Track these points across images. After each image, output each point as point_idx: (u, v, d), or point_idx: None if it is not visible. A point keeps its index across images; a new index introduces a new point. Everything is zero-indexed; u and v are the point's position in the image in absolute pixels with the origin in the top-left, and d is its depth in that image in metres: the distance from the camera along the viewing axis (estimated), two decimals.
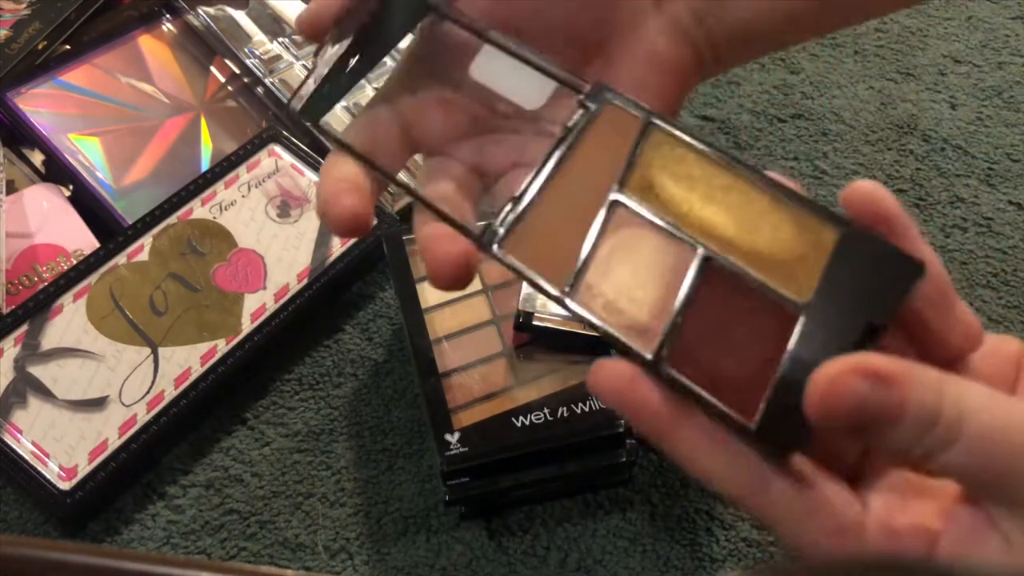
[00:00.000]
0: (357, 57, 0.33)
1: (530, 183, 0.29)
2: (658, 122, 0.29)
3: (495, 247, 0.29)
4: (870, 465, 0.28)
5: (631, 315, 0.27)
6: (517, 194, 0.29)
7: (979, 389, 0.24)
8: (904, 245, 0.26)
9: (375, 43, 0.34)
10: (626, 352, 0.26)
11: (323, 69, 0.33)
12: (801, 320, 0.25)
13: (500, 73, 0.32)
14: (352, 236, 0.32)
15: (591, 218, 0.28)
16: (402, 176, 0.33)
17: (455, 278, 0.29)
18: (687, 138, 0.28)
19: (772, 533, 0.26)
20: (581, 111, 0.30)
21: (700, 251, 0.27)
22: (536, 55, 0.31)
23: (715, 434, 0.25)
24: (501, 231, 0.29)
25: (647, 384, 0.25)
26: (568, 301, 0.28)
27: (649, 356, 0.26)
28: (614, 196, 0.28)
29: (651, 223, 0.28)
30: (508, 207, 0.29)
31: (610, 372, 0.25)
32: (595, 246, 0.28)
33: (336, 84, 0.33)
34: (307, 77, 0.32)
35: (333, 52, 0.33)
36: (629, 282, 0.27)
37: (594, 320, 0.27)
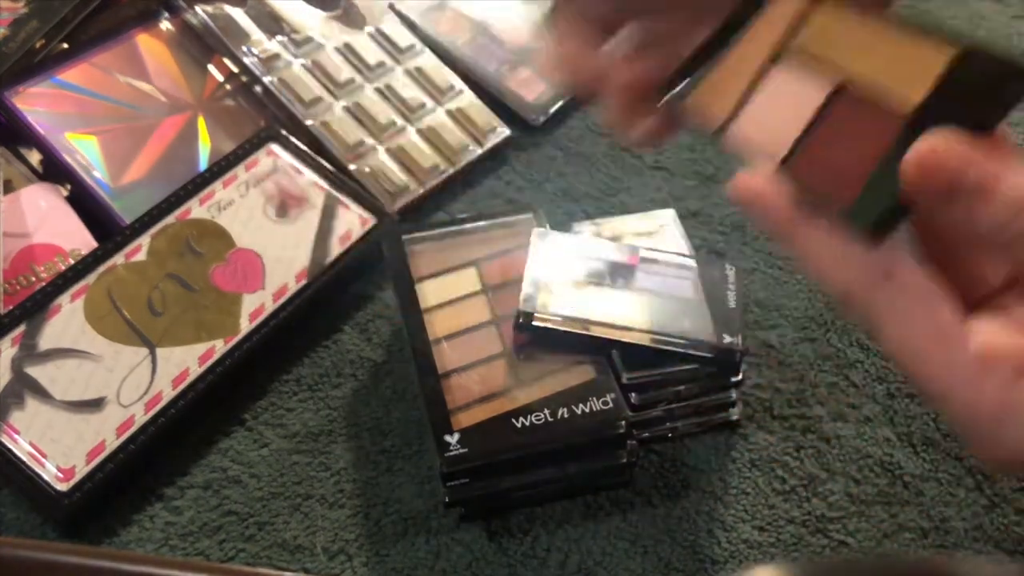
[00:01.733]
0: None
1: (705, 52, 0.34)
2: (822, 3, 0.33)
3: (680, 88, 0.33)
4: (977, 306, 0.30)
5: (771, 141, 0.31)
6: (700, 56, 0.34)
7: None
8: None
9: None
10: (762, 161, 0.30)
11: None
12: (906, 124, 0.28)
13: None
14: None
15: (755, 71, 0.33)
16: None
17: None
18: (847, 11, 0.32)
19: (875, 336, 0.28)
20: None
21: (829, 83, 0.31)
22: None
23: (834, 233, 0.28)
24: (686, 83, 0.33)
25: (778, 190, 0.29)
26: (728, 128, 0.32)
27: (778, 159, 0.30)
28: (775, 60, 0.32)
29: (797, 72, 0.32)
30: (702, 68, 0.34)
31: (748, 179, 0.30)
32: (752, 92, 0.32)
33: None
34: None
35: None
36: (773, 116, 0.32)
37: (740, 140, 0.31)
